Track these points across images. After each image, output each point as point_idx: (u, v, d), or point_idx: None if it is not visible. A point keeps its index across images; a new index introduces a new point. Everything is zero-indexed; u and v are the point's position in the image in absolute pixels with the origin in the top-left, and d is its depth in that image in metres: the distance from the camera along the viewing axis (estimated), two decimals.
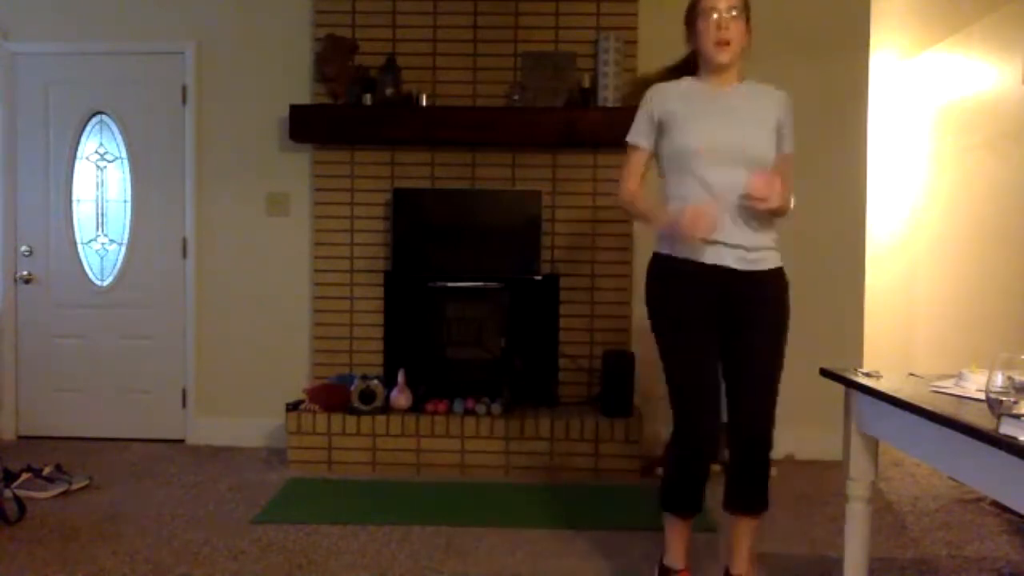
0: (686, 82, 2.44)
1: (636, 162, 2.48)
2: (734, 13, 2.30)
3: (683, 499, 2.43)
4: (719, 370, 2.40)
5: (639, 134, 2.46)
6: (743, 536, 2.47)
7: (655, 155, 2.47)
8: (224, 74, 4.52)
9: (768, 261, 2.38)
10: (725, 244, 2.32)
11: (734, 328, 2.37)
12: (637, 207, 2.49)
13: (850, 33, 4.38)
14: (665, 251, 2.42)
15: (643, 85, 2.53)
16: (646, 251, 2.58)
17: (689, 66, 2.47)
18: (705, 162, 2.31)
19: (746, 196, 2.24)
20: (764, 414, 2.36)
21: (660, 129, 2.41)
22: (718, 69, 2.36)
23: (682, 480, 2.41)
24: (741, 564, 2.48)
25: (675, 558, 2.50)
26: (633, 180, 2.48)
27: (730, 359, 2.40)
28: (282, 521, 3.27)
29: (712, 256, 2.32)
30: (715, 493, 2.54)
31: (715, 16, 2.30)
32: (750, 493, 2.42)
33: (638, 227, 4.26)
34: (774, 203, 2.24)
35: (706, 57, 2.36)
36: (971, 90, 4.68)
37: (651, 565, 2.75)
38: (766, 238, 2.38)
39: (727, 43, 2.30)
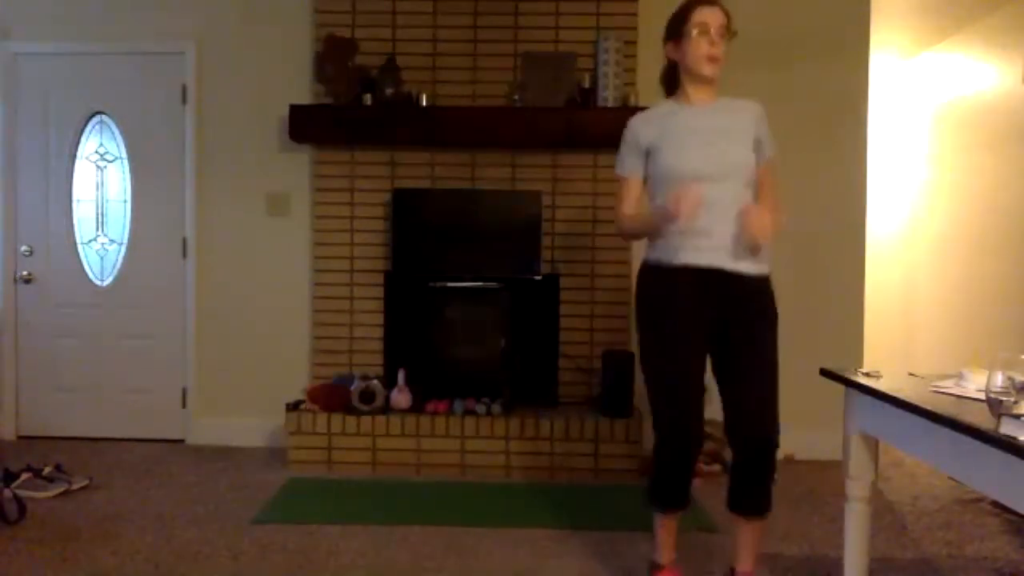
0: (666, 106, 2.51)
1: (630, 190, 2.53)
2: (722, 35, 2.39)
3: (669, 496, 2.49)
4: (704, 373, 2.42)
5: (628, 166, 2.51)
6: (749, 536, 2.49)
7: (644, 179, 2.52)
8: (224, 74, 4.52)
9: (759, 266, 2.41)
10: (715, 249, 2.35)
11: (730, 331, 2.38)
12: (636, 221, 2.51)
13: (850, 33, 4.38)
14: (654, 258, 2.45)
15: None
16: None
17: (673, 74, 2.51)
18: (693, 181, 2.34)
19: (745, 241, 2.29)
20: (769, 416, 2.37)
21: (647, 155, 2.47)
22: (702, 83, 2.43)
23: (668, 480, 2.47)
24: (747, 562, 2.50)
25: (660, 554, 2.59)
26: (629, 207, 2.52)
27: (729, 362, 2.40)
28: (282, 521, 3.27)
29: (703, 259, 2.35)
30: (718, 494, 2.54)
31: (707, 34, 2.37)
32: (755, 496, 2.43)
33: None
34: (770, 234, 2.29)
35: (693, 71, 2.42)
36: (971, 90, 4.68)
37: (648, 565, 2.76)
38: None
39: (717, 59, 2.39)
